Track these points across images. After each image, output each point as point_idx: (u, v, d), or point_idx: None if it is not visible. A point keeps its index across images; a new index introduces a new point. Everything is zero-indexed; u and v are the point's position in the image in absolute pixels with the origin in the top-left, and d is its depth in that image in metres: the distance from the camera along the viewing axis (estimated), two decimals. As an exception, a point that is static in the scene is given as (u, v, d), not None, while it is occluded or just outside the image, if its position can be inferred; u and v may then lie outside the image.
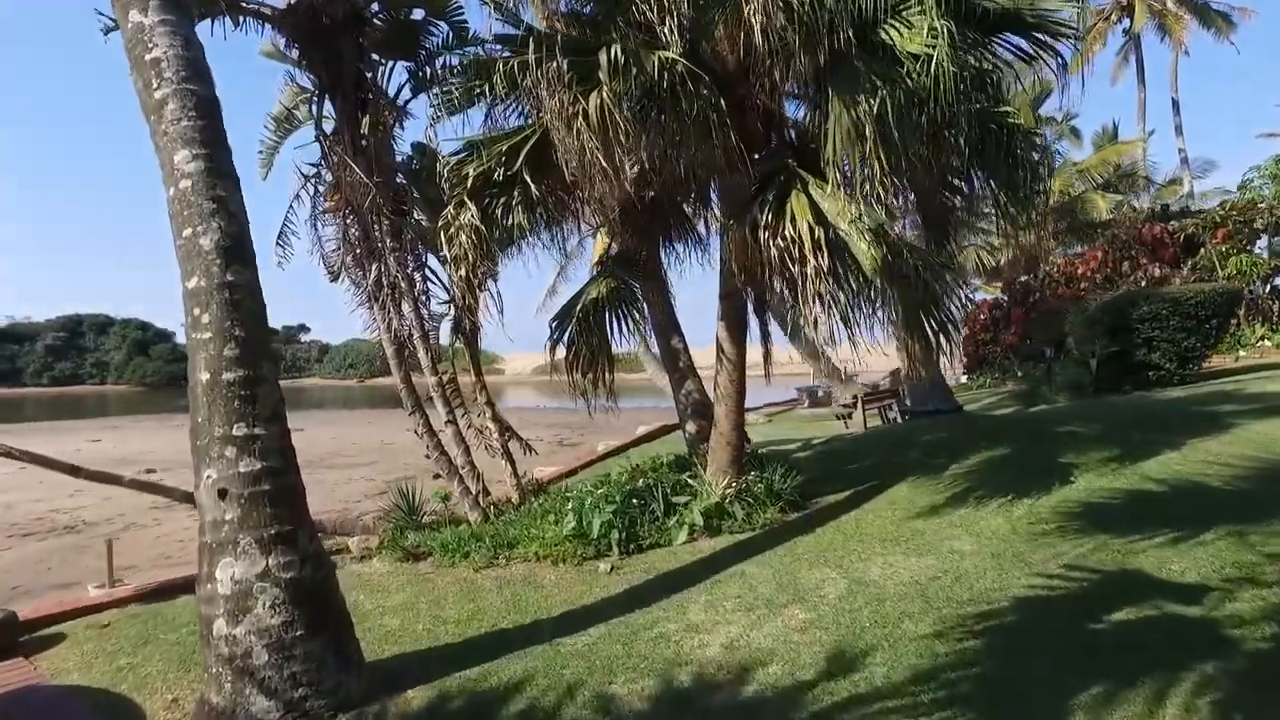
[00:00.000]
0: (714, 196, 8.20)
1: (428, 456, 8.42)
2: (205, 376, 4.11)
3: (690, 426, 11.31)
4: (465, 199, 6.93)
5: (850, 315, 5.85)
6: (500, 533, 7.40)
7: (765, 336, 8.64)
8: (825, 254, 5.56)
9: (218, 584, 3.90)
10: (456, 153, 7.25)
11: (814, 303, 5.66)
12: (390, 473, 17.87)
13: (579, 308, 8.26)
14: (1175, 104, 33.53)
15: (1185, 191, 30.85)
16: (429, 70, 9.35)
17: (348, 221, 8.13)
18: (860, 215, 5.80)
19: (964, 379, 23.29)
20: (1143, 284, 19.19)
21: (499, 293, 8.09)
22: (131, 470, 12.71)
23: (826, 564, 5.97)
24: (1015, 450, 9.27)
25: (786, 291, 6.29)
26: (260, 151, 10.46)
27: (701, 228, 9.64)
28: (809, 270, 5.62)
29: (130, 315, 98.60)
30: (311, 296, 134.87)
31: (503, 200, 7.15)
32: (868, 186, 5.51)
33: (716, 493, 7.57)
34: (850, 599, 5.16)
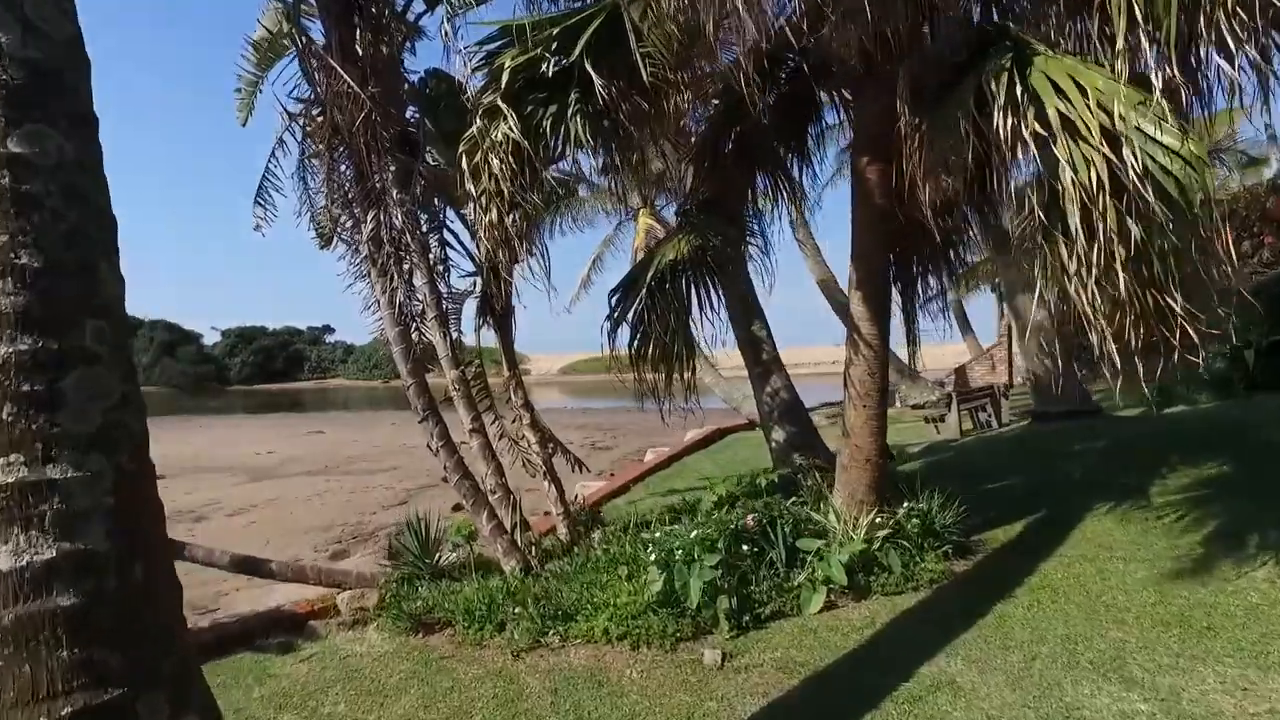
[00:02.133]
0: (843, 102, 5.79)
1: (445, 480, 6.13)
2: (-51, 353, 1.87)
3: (777, 434, 9.00)
4: (500, 104, 4.63)
5: (1155, 262, 3.38)
6: (549, 593, 5.12)
7: (910, 314, 6.25)
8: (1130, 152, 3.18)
9: None
10: (489, 39, 4.94)
11: (1097, 237, 3.28)
12: (412, 478, 16.13)
13: (650, 275, 5.91)
14: (1264, 73, 30.37)
15: (1275, 170, 27.76)
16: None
17: (334, 155, 5.91)
18: (1151, 99, 3.39)
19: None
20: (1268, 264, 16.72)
21: (546, 250, 5.77)
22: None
23: (1099, 672, 3.61)
24: (1236, 469, 6.81)
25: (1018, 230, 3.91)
26: (238, 89, 8.30)
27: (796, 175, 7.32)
28: (1089, 180, 3.24)
29: (158, 317, 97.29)
30: (337, 297, 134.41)
31: (553, 109, 4.82)
32: (1207, 33, 3.09)
33: (859, 534, 5.24)
34: (1221, 772, 2.81)
